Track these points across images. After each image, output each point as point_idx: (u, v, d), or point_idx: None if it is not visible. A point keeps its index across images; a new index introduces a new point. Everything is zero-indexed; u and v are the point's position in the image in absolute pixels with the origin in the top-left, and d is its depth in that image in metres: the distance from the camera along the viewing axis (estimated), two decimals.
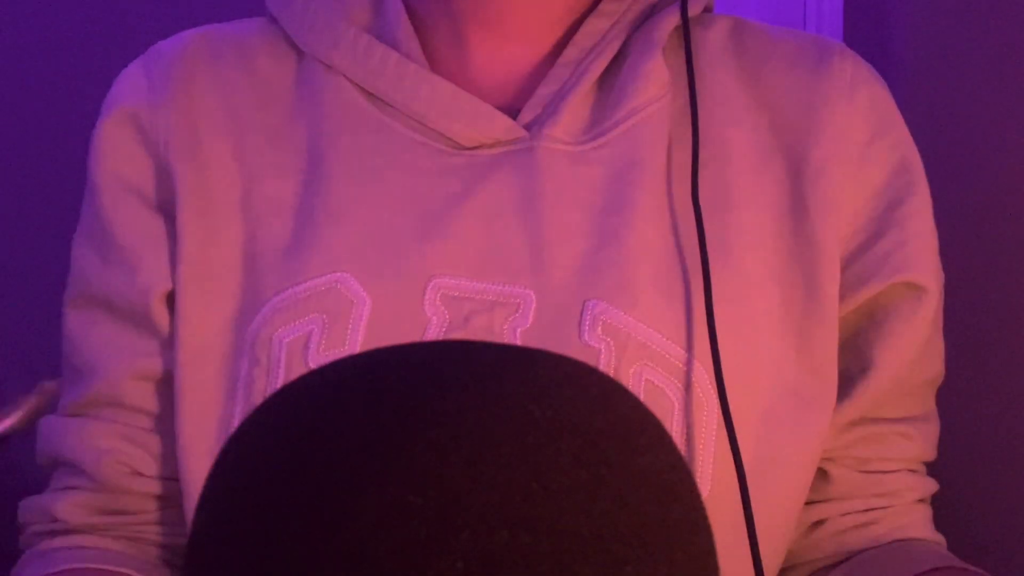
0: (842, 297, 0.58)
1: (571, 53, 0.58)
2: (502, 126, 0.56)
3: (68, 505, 0.58)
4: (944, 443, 0.64)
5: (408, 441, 0.21)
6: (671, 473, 0.24)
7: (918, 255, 0.59)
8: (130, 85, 0.62)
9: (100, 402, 0.59)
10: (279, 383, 0.53)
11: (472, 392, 0.23)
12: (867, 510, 0.60)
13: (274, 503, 0.21)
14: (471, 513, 0.20)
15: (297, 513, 0.21)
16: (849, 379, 0.59)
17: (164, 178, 0.59)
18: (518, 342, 0.53)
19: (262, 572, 0.21)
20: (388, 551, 0.20)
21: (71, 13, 1.21)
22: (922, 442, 0.62)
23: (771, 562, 0.58)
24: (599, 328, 0.53)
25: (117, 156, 0.61)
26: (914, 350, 0.59)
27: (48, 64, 1.21)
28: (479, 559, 0.20)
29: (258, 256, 0.55)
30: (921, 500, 0.62)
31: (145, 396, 0.58)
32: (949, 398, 0.65)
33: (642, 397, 0.52)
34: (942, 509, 0.64)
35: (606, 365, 0.53)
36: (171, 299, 0.58)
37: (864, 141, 0.59)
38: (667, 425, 0.52)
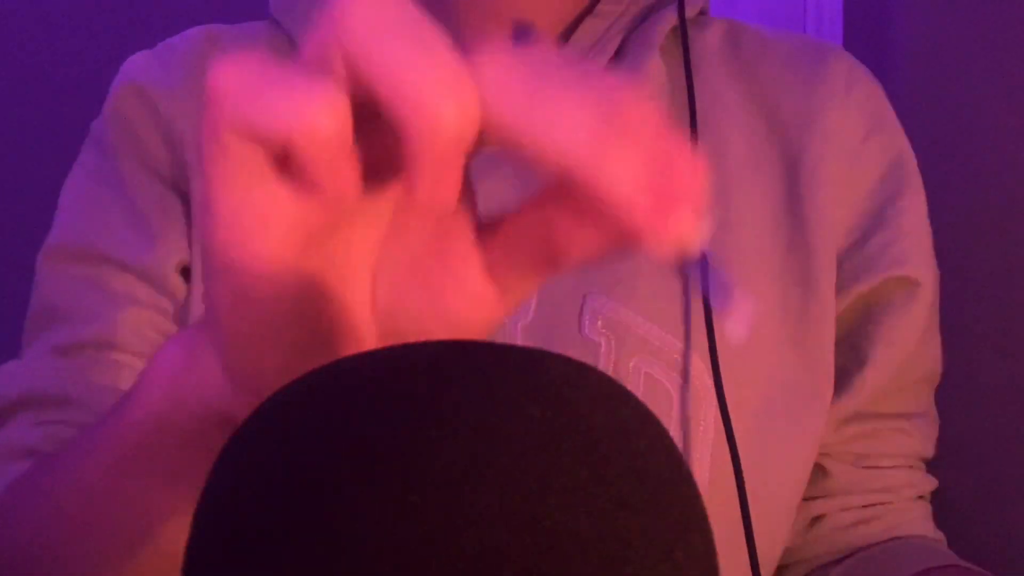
0: (837, 293, 0.58)
1: (570, 53, 0.59)
2: None
3: (50, 438, 0.54)
4: (944, 441, 0.64)
5: (408, 441, 0.21)
6: (671, 473, 0.24)
7: (912, 250, 0.59)
8: (142, 67, 0.62)
9: (98, 344, 0.56)
10: None
11: (472, 392, 0.23)
12: (866, 506, 0.61)
13: (273, 503, 0.21)
14: (471, 513, 0.20)
15: (296, 513, 0.21)
16: (845, 375, 0.59)
17: (178, 165, 0.59)
18: (519, 337, 0.53)
19: (261, 572, 0.21)
20: (388, 551, 0.20)
21: (71, 14, 1.21)
22: (920, 438, 0.62)
23: (768, 556, 0.58)
24: (599, 322, 0.54)
25: (133, 124, 0.60)
26: (909, 345, 0.59)
27: (48, 65, 1.21)
28: (479, 559, 0.20)
29: None
30: (920, 497, 0.62)
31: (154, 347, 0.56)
32: (949, 396, 0.65)
33: (641, 390, 0.53)
34: (942, 506, 0.64)
35: (606, 358, 0.53)
36: (185, 273, 0.58)
37: (859, 139, 0.60)
38: (665, 418, 0.53)
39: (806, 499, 0.60)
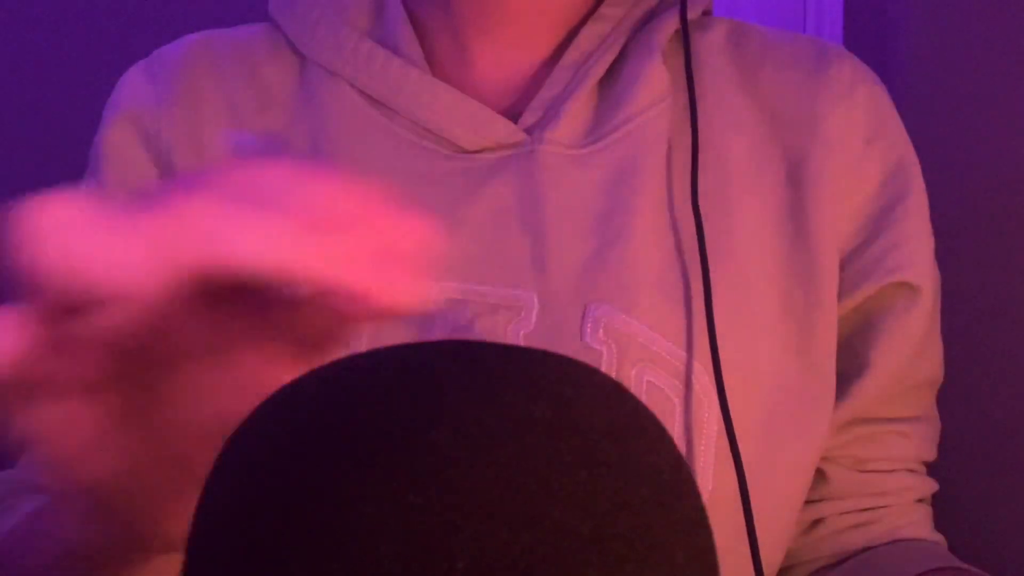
0: (839, 298, 0.58)
1: (571, 57, 0.59)
2: (503, 130, 0.56)
3: None
4: (944, 443, 0.64)
5: (408, 441, 0.21)
6: (671, 473, 0.24)
7: (913, 256, 0.59)
8: (133, 89, 0.62)
9: None
10: None
11: (472, 392, 0.23)
12: (865, 509, 0.61)
13: (273, 502, 0.21)
14: (471, 513, 0.20)
15: (296, 512, 0.21)
16: (846, 379, 0.59)
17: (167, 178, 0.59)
18: (521, 344, 0.53)
19: (261, 571, 0.21)
20: (388, 551, 0.20)
21: (72, 14, 1.21)
22: (920, 442, 0.62)
23: (771, 562, 0.58)
24: (601, 331, 0.53)
25: (123, 162, 0.61)
26: (909, 350, 0.59)
27: (49, 66, 1.21)
28: (479, 559, 0.20)
29: None
30: (920, 500, 0.62)
31: None
32: (949, 398, 0.65)
33: (643, 398, 0.52)
34: (942, 509, 0.64)
35: (608, 367, 0.53)
36: None
37: (862, 142, 0.59)
38: (668, 426, 0.53)
39: (805, 502, 0.60)
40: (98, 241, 0.24)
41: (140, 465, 0.30)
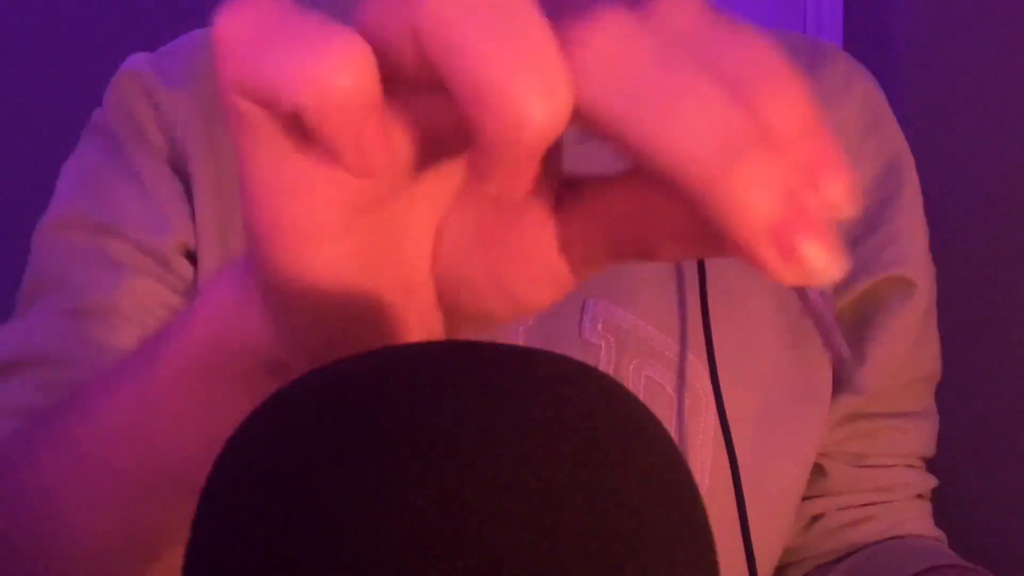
0: (834, 293, 0.58)
1: None
2: None
3: (44, 396, 0.51)
4: (944, 439, 0.64)
5: (408, 441, 0.21)
6: (671, 473, 0.24)
7: (907, 250, 0.59)
8: (141, 62, 0.62)
9: (100, 311, 0.54)
10: None
11: (473, 392, 0.23)
12: (864, 505, 0.61)
13: (273, 502, 0.21)
14: (471, 513, 0.20)
15: (296, 512, 0.21)
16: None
17: (179, 160, 0.59)
18: (521, 340, 0.53)
19: (261, 571, 0.21)
20: (388, 551, 0.20)
21: (73, 14, 1.21)
22: (919, 437, 0.62)
23: (768, 556, 0.58)
24: (599, 325, 0.54)
25: (133, 110, 0.60)
26: (905, 345, 0.59)
27: (48, 65, 1.21)
28: (479, 559, 0.20)
29: None
30: (920, 496, 0.62)
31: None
32: (949, 394, 0.65)
33: (641, 392, 0.53)
34: (943, 505, 0.64)
35: (606, 361, 0.53)
36: (189, 256, 0.57)
37: (857, 138, 0.60)
38: (665, 420, 0.53)
39: (805, 498, 0.60)
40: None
41: (362, 277, 0.25)
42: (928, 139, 0.67)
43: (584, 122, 0.21)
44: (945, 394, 0.64)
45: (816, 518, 0.61)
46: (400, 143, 0.23)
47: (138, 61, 0.61)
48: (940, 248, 0.62)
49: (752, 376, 0.55)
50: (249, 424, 0.24)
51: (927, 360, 0.62)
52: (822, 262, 0.21)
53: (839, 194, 0.22)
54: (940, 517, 0.63)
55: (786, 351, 0.57)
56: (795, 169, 0.21)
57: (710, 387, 0.53)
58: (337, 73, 0.21)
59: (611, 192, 0.26)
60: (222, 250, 0.56)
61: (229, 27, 0.22)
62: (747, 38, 0.22)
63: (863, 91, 0.61)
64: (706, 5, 0.22)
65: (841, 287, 0.59)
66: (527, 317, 0.25)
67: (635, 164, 0.22)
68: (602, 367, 0.53)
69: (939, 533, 0.63)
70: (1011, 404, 0.80)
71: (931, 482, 0.63)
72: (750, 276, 0.56)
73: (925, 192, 0.62)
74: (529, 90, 0.20)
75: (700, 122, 0.20)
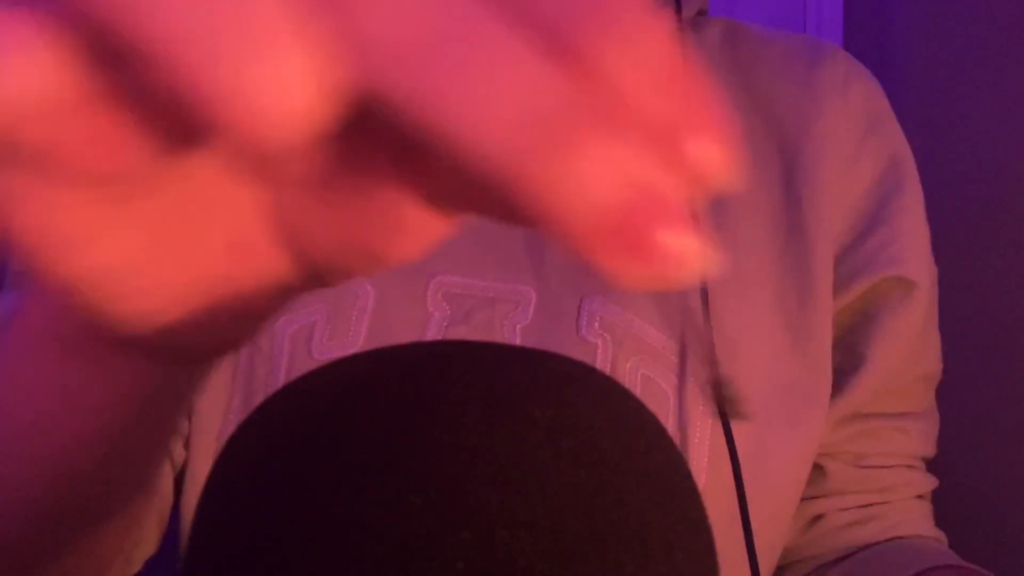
0: (835, 293, 0.58)
1: None
2: None
3: None
4: (944, 439, 0.64)
5: (408, 441, 0.21)
6: (671, 473, 0.24)
7: (908, 250, 0.59)
8: None
9: None
10: (282, 372, 0.53)
11: (473, 392, 0.23)
12: (865, 506, 0.61)
13: (273, 502, 0.21)
14: (471, 513, 0.20)
15: (296, 512, 0.21)
16: (843, 375, 0.59)
17: None
18: (517, 338, 0.53)
19: (260, 571, 0.21)
20: (388, 551, 0.20)
21: None
22: (919, 437, 0.62)
23: (767, 556, 0.58)
24: (596, 323, 0.54)
25: None
26: (906, 345, 0.59)
27: None
28: (479, 559, 0.20)
29: None
30: (920, 496, 0.62)
31: None
32: (949, 395, 0.65)
33: (638, 391, 0.53)
34: (943, 505, 0.64)
35: (603, 360, 0.53)
36: None
37: (857, 138, 0.60)
38: (662, 419, 0.53)
39: (805, 499, 0.60)
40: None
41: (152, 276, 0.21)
42: (928, 139, 0.68)
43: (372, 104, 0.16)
44: (945, 394, 0.64)
45: (816, 518, 0.61)
46: (128, 132, 0.18)
47: None
48: (939, 248, 0.62)
49: (751, 375, 0.55)
50: (249, 424, 0.24)
51: (928, 360, 0.62)
52: (680, 256, 0.16)
53: (708, 157, 0.17)
54: (940, 517, 0.63)
55: (786, 350, 0.57)
56: (645, 139, 0.16)
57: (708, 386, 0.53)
58: (14, 76, 0.16)
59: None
60: None
61: None
62: None
63: (863, 90, 0.61)
64: None
65: (842, 287, 0.59)
66: (386, 269, 0.20)
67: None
68: (599, 365, 0.53)
69: (939, 533, 0.63)
70: (1011, 404, 0.80)
71: (931, 482, 0.63)
72: (750, 275, 0.57)
73: (924, 192, 0.62)
74: (255, 91, 0.15)
75: (503, 95, 0.15)
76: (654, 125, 0.16)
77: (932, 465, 0.64)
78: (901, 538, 0.60)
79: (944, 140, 0.85)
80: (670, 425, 0.53)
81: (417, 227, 0.22)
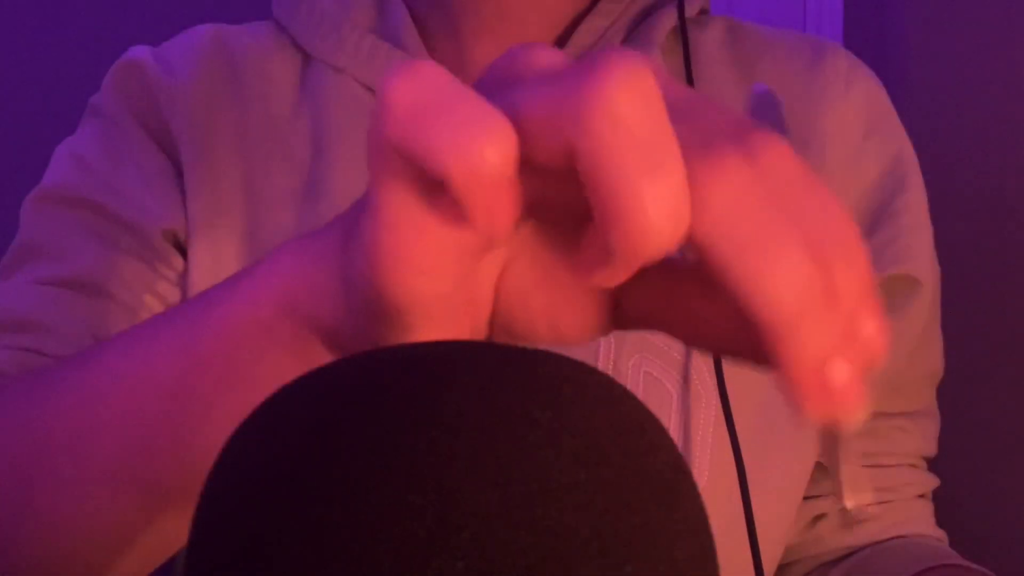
0: None
1: (569, 52, 0.59)
2: None
3: (17, 364, 0.51)
4: (944, 439, 0.64)
5: (408, 441, 0.21)
6: (671, 473, 0.24)
7: (912, 249, 0.59)
8: (141, 52, 0.62)
9: (83, 284, 0.54)
10: None
11: (473, 392, 0.23)
12: (866, 505, 0.61)
13: (272, 501, 0.21)
14: (471, 513, 0.20)
15: (296, 512, 0.21)
16: None
17: (173, 150, 0.59)
18: None
19: (260, 571, 0.21)
20: (388, 551, 0.20)
21: (74, 12, 1.21)
22: (921, 437, 0.62)
23: (769, 555, 0.58)
24: None
25: (131, 95, 0.60)
26: (910, 344, 0.59)
27: (48, 65, 1.21)
28: (479, 559, 0.20)
29: (264, 244, 0.56)
30: (922, 496, 0.62)
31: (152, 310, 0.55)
32: (951, 394, 0.65)
33: (641, 389, 0.53)
34: (943, 505, 0.64)
35: (606, 357, 0.53)
36: (176, 242, 0.57)
37: (859, 137, 0.60)
38: (665, 417, 0.53)
39: (807, 498, 0.60)
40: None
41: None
42: (928, 138, 0.67)
43: (692, 247, 0.25)
44: (945, 394, 0.64)
45: (818, 518, 0.61)
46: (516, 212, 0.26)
47: (139, 51, 0.62)
48: (940, 246, 0.62)
49: (755, 373, 0.55)
50: (249, 424, 0.24)
51: (931, 359, 0.62)
52: (851, 402, 0.25)
53: (875, 340, 0.25)
54: (940, 517, 0.63)
55: None
56: (846, 322, 0.25)
57: (711, 383, 0.53)
58: (486, 152, 0.24)
59: (671, 277, 0.29)
60: (210, 242, 0.56)
61: (397, 89, 0.25)
62: (829, 200, 0.25)
63: (865, 88, 0.61)
64: (797, 156, 0.25)
65: None
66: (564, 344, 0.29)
67: (706, 272, 0.25)
68: (601, 363, 0.53)
69: (940, 533, 0.63)
70: (1011, 404, 0.80)
71: (933, 482, 0.63)
72: None
73: (926, 190, 0.62)
74: (660, 216, 0.23)
75: (789, 274, 0.24)
76: (850, 315, 0.25)
77: (932, 465, 0.64)
78: (903, 537, 0.60)
79: (944, 139, 0.85)
80: (673, 423, 0.53)
81: (603, 327, 0.30)
